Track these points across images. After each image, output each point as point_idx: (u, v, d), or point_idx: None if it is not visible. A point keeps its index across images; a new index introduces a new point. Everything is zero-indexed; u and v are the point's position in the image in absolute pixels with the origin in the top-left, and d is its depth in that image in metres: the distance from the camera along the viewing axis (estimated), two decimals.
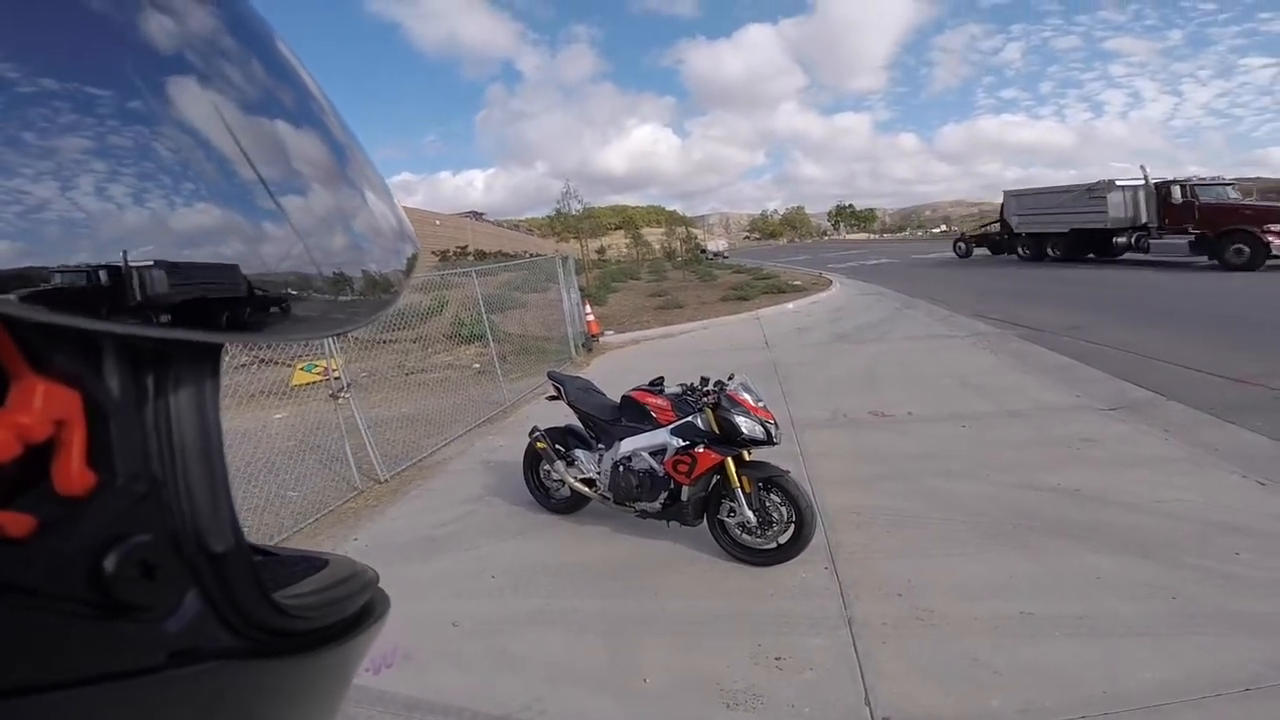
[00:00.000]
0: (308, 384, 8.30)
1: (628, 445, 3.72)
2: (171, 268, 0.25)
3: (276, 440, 6.63)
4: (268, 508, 4.79)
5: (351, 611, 0.39)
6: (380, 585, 0.43)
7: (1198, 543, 3.26)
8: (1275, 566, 2.98)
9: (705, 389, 3.58)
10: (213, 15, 0.29)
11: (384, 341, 9.83)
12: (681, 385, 3.73)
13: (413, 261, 0.40)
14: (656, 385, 3.83)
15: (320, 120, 0.33)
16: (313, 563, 0.41)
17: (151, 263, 0.25)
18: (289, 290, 0.31)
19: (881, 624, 2.83)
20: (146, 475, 0.27)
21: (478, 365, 10.54)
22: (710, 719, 2.36)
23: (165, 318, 0.25)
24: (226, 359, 0.33)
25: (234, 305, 0.28)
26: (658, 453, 3.62)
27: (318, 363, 7.68)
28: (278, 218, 0.30)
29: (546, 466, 4.20)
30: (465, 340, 11.56)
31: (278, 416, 7.54)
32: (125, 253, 0.24)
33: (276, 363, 7.48)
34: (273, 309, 0.30)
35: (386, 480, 5.33)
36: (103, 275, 0.23)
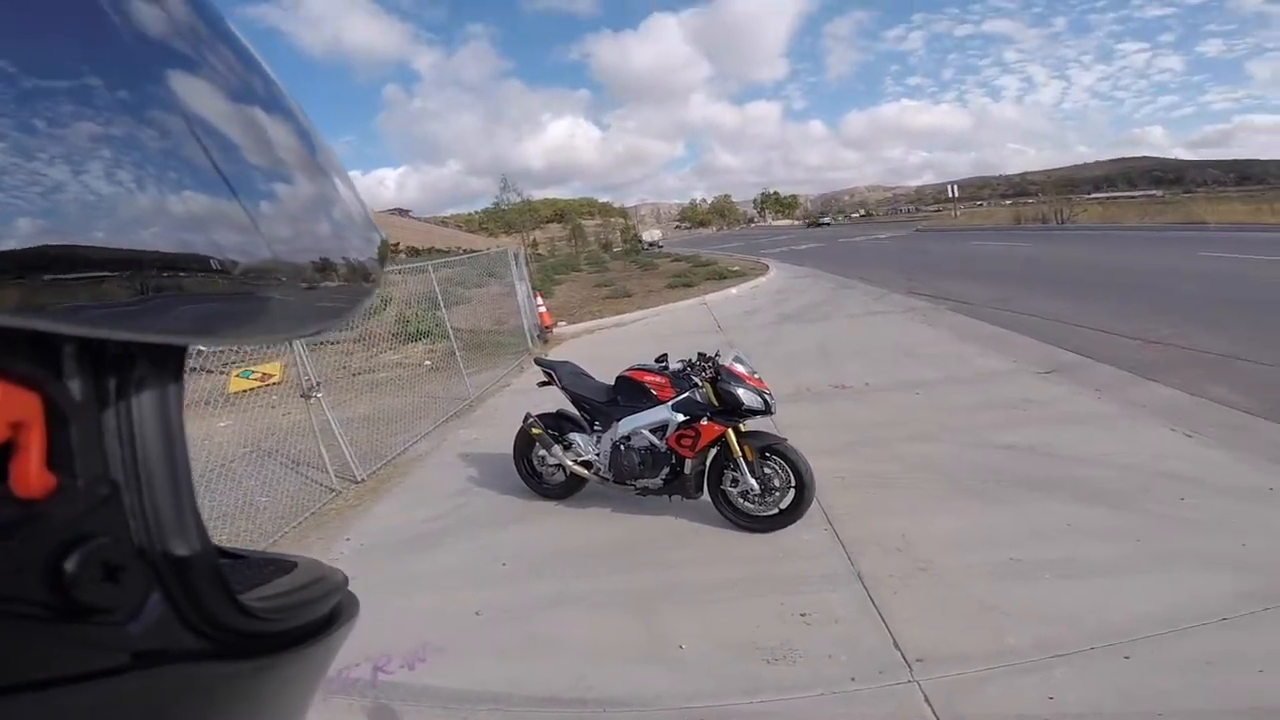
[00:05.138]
0: (246, 390, 7.94)
1: (627, 424, 3.79)
2: (135, 265, 0.24)
3: (227, 448, 6.32)
4: (240, 514, 4.60)
5: (320, 614, 0.38)
6: (350, 589, 0.43)
7: (1146, 490, 3.59)
8: (1217, 508, 3.32)
9: (703, 364, 3.68)
10: (184, 4, 0.28)
11: (325, 343, 9.46)
12: (682, 361, 3.82)
13: (382, 249, 0.39)
14: (661, 362, 3.90)
15: (287, 108, 0.33)
16: (281, 565, 0.40)
17: (114, 260, 0.24)
18: (262, 287, 0.30)
19: (889, 576, 3.03)
20: (108, 478, 0.26)
21: (429, 363, 10.31)
22: (755, 675, 2.48)
23: (128, 318, 0.25)
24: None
25: (201, 304, 0.27)
26: (658, 429, 3.70)
27: (254, 369, 7.37)
28: (249, 209, 0.29)
29: (541, 452, 4.20)
30: (411, 338, 11.24)
31: (222, 425, 7.16)
32: (86, 250, 0.23)
33: (208, 371, 7.11)
34: (243, 307, 0.30)
35: (363, 480, 5.19)
36: (63, 274, 0.22)
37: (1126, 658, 2.35)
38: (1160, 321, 7.73)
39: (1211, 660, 2.29)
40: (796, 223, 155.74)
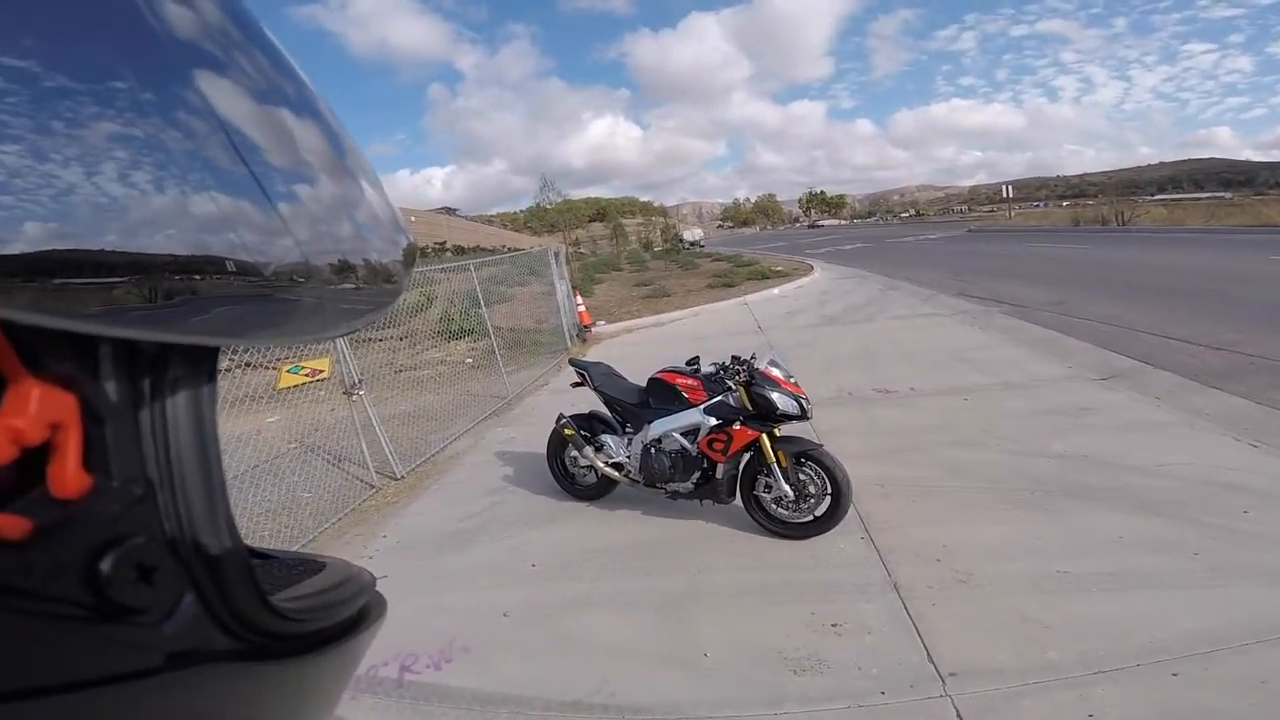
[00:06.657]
0: (295, 386, 8.17)
1: (658, 427, 3.76)
2: (170, 267, 0.25)
3: (274, 443, 6.55)
4: (284, 510, 4.76)
5: (349, 614, 0.39)
6: (382, 587, 0.43)
7: (1206, 502, 3.41)
8: None
9: (736, 367, 3.63)
10: (216, 6, 0.29)
11: (371, 340, 9.70)
12: (715, 364, 3.78)
13: (410, 252, 0.39)
14: (693, 364, 3.87)
15: (317, 110, 0.33)
16: (310, 565, 0.40)
17: (149, 263, 0.24)
18: (290, 288, 0.30)
19: (927, 587, 2.93)
20: (143, 478, 0.26)
21: (470, 360, 10.47)
22: (780, 685, 2.43)
23: (163, 319, 0.25)
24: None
25: (233, 305, 0.28)
26: (690, 433, 3.67)
27: (303, 364, 7.59)
28: (278, 211, 0.29)
29: (574, 453, 4.21)
30: (454, 336, 11.44)
31: (271, 420, 7.41)
32: (123, 253, 0.23)
33: (260, 366, 7.36)
34: (274, 308, 0.30)
35: (403, 477, 5.30)
36: (100, 276, 0.22)
37: (1174, 675, 2.23)
38: (1226, 326, 7.34)
39: (1266, 679, 2.16)
40: (843, 222, 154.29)
